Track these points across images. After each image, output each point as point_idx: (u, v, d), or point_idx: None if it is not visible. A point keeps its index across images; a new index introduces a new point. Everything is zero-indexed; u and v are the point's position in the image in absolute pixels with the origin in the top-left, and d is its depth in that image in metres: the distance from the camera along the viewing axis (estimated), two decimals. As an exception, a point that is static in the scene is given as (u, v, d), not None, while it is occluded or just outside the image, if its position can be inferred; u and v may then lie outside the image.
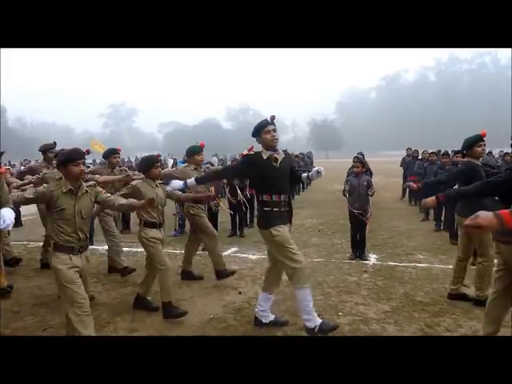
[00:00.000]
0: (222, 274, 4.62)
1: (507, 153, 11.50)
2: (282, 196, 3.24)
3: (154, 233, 3.74)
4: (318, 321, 3.19)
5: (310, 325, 3.18)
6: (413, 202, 10.98)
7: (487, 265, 3.80)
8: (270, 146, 3.23)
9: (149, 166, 3.83)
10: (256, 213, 6.24)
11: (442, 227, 7.57)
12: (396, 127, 73.80)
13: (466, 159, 4.01)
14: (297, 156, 15.92)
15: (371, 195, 5.70)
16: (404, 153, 13.44)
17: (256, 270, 5.16)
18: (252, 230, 7.51)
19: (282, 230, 3.20)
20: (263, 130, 3.23)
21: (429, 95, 78.30)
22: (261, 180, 3.25)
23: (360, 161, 6.10)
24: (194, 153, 4.75)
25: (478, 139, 3.91)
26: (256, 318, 3.51)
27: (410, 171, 10.95)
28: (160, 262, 3.69)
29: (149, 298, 4.03)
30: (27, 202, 2.90)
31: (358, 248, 5.74)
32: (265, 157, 3.21)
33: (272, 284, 3.49)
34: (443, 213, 7.49)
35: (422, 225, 8.22)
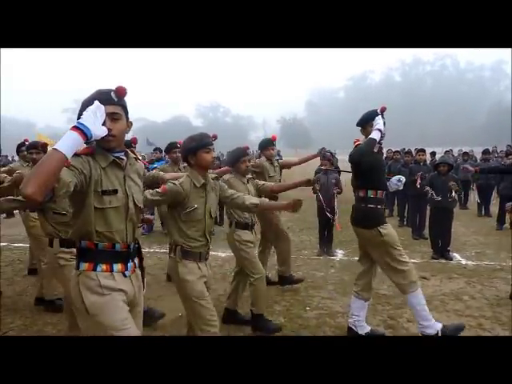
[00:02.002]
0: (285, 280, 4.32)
1: (466, 152, 12.10)
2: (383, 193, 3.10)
3: (247, 235, 3.30)
4: (438, 325, 3.01)
5: (431, 332, 2.97)
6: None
7: None
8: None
9: (236, 159, 3.34)
10: (225, 211, 6.24)
11: (405, 223, 7.87)
12: (363, 126, 75.64)
13: None
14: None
15: (338, 193, 5.82)
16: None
17: (225, 267, 5.17)
18: (221, 228, 7.50)
19: (389, 229, 3.02)
20: (369, 123, 3.06)
21: (394, 95, 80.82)
22: (370, 173, 3.03)
23: (328, 159, 6.20)
24: (266, 146, 4.39)
25: None
26: (350, 328, 3.21)
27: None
28: (255, 269, 3.27)
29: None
30: (153, 203, 2.44)
31: (326, 244, 5.86)
32: (376, 149, 3.03)
33: (367, 289, 3.19)
34: (406, 209, 7.78)
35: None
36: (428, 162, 8.84)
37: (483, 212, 9.05)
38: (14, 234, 6.98)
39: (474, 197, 9.85)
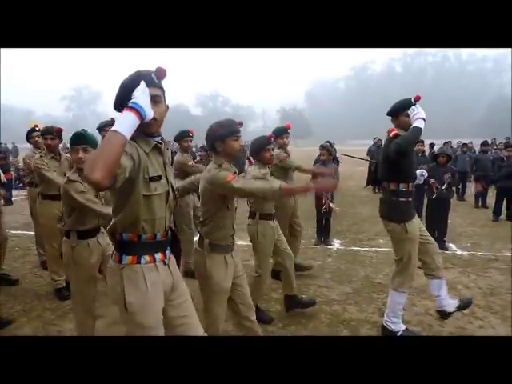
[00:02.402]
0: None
1: (465, 143, 12.10)
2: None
3: (269, 227, 3.27)
4: (402, 327, 3.10)
5: (394, 328, 3.07)
6: (376, 190, 11.37)
7: None
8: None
9: (260, 148, 3.22)
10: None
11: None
12: (363, 117, 75.50)
13: None
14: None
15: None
16: (371, 142, 13.82)
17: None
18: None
19: (415, 227, 3.01)
20: (403, 113, 2.98)
21: (395, 86, 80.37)
22: (406, 165, 2.96)
23: (326, 149, 6.23)
24: (280, 134, 4.24)
25: None
26: (440, 311, 3.23)
27: (374, 159, 11.31)
28: (263, 265, 3.28)
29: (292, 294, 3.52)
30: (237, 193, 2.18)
31: (323, 234, 5.91)
32: None
33: (433, 268, 3.15)
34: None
35: (384, 212, 8.55)
36: (427, 153, 8.85)
37: (480, 203, 9.10)
38: (11, 221, 7.02)
39: (471, 189, 9.89)
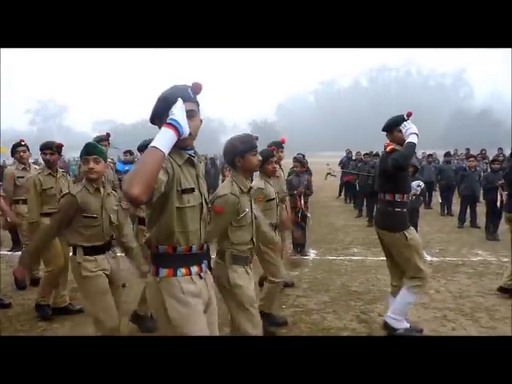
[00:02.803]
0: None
1: (430, 154, 12.66)
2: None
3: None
4: (406, 325, 3.16)
5: (397, 325, 3.13)
6: (347, 201, 11.66)
7: None
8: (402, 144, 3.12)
9: (264, 160, 3.19)
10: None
11: (373, 223, 8.14)
12: (333, 129, 77.49)
13: None
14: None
15: (308, 195, 5.99)
16: (342, 154, 14.21)
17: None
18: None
19: (414, 233, 3.11)
20: (396, 128, 3.12)
21: (362, 100, 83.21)
22: (401, 177, 3.09)
23: (299, 161, 6.39)
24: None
25: None
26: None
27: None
28: (276, 274, 3.34)
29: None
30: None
31: (299, 245, 6.00)
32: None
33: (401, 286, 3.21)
34: (375, 209, 8.06)
35: (356, 221, 8.78)
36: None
37: (446, 211, 9.52)
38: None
39: (437, 197, 10.33)
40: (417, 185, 3.44)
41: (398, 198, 3.10)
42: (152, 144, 1.40)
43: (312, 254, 6.02)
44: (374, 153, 10.36)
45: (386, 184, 3.15)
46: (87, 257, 2.58)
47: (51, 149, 3.80)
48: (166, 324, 1.66)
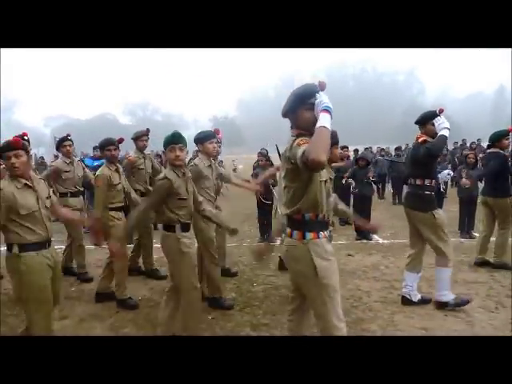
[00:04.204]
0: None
1: (383, 148, 13.63)
2: None
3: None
4: (451, 296, 3.60)
5: (445, 299, 3.58)
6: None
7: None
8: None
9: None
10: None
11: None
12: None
13: (494, 150, 4.72)
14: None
15: (273, 185, 6.48)
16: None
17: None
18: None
19: (441, 213, 3.56)
20: (429, 122, 3.53)
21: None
22: (431, 165, 3.54)
23: (264, 155, 6.89)
24: None
25: (505, 134, 4.68)
26: (404, 297, 3.71)
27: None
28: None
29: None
30: None
31: (266, 232, 6.50)
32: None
33: (418, 263, 3.71)
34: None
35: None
36: (352, 157, 9.92)
37: (397, 201, 10.41)
38: None
39: (389, 188, 11.23)
40: (447, 173, 3.98)
41: (427, 182, 3.55)
42: (320, 125, 1.81)
43: (278, 240, 6.51)
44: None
45: (417, 170, 3.60)
46: (184, 233, 2.87)
47: (114, 144, 3.93)
48: (314, 277, 2.04)
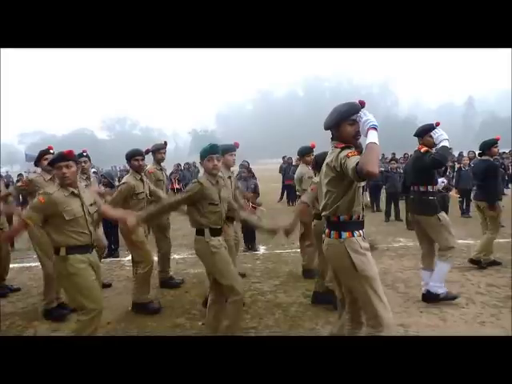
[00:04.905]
0: None
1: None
2: None
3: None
4: (445, 290, 3.86)
5: (438, 291, 3.83)
6: (290, 204, 12.61)
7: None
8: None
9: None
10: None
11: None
12: (272, 137, 79.68)
13: (485, 158, 5.02)
14: (185, 166, 16.47)
15: (257, 196, 6.70)
16: (280, 161, 15.18)
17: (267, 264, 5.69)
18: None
19: (445, 216, 3.83)
20: (427, 134, 3.82)
21: (298, 108, 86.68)
22: (433, 172, 3.84)
23: (246, 167, 7.11)
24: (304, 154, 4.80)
25: (494, 142, 4.98)
26: (426, 294, 3.92)
27: (286, 176, 12.63)
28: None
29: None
30: None
31: (250, 241, 6.67)
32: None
33: (431, 261, 3.97)
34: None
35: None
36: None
37: (375, 208, 10.78)
38: None
39: (366, 196, 11.59)
40: (441, 181, 4.29)
41: (430, 188, 3.85)
42: (370, 141, 2.07)
43: (262, 249, 6.72)
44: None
45: (421, 178, 3.91)
46: (213, 237, 3.00)
47: (142, 155, 4.09)
48: (353, 271, 2.26)
